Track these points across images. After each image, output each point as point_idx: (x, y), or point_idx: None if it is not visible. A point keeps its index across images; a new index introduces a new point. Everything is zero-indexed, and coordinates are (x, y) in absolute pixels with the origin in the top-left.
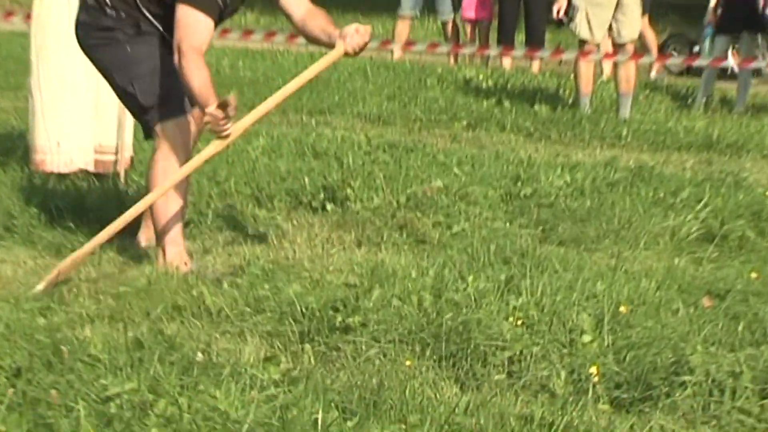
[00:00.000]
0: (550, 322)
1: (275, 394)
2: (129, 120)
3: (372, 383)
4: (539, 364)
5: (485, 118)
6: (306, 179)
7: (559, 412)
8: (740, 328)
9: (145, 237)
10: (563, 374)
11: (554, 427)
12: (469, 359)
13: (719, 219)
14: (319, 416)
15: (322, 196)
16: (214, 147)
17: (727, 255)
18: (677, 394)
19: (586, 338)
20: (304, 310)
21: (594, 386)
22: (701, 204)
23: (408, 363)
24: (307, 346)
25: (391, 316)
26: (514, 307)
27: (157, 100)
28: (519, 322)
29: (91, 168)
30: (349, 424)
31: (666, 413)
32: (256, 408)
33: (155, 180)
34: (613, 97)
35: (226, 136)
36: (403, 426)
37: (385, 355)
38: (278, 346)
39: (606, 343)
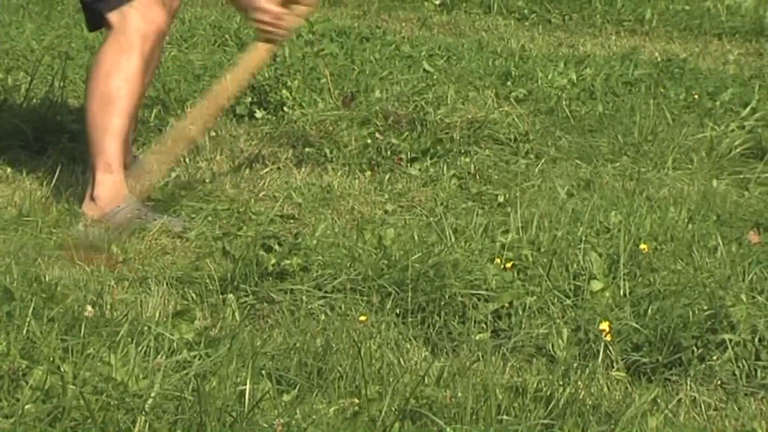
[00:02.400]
0: (549, 265)
1: (188, 360)
2: None
3: (315, 345)
4: (534, 319)
5: None
6: (228, 77)
7: (560, 382)
8: None
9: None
10: (565, 333)
11: (553, 401)
12: (442, 313)
13: None
14: (247, 388)
15: (249, 99)
16: (263, 52)
17: None
18: (714, 358)
19: (596, 285)
20: (225, 249)
21: (606, 348)
22: (748, 109)
23: (362, 319)
24: (230, 297)
25: (341, 257)
26: (502, 245)
27: None
28: (508, 265)
29: None
30: (286, 397)
31: (699, 382)
32: (164, 377)
33: (97, 84)
34: None
35: (275, 39)
36: (357, 400)
37: (332, 309)
38: (192, 297)
39: (621, 292)
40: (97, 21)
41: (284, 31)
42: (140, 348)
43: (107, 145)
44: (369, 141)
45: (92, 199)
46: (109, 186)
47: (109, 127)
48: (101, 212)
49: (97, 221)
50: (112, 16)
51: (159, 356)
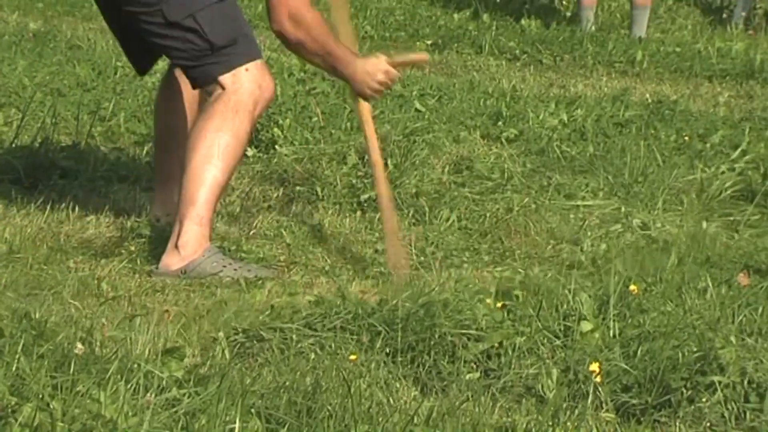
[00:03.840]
0: (539, 305)
1: (178, 398)
2: None
3: (305, 384)
4: (524, 359)
5: (456, 36)
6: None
7: (549, 423)
8: None
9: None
10: (555, 373)
11: None
12: (432, 353)
13: (762, 171)
14: (236, 426)
15: None
16: (366, 111)
17: None
18: (703, 400)
19: (586, 326)
20: (215, 287)
21: (595, 389)
22: (738, 151)
23: (352, 358)
24: (221, 335)
25: (332, 296)
26: (492, 285)
27: (230, 36)
28: (498, 305)
29: None
30: None
31: (688, 424)
32: (153, 415)
33: (206, 135)
34: (625, 9)
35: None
36: None
37: (322, 348)
38: (182, 335)
39: (611, 333)
40: (147, 63)
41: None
42: (130, 385)
43: (201, 198)
44: (353, 180)
45: (176, 246)
46: (197, 236)
47: (208, 181)
48: (183, 262)
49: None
50: (225, 78)
51: (148, 394)
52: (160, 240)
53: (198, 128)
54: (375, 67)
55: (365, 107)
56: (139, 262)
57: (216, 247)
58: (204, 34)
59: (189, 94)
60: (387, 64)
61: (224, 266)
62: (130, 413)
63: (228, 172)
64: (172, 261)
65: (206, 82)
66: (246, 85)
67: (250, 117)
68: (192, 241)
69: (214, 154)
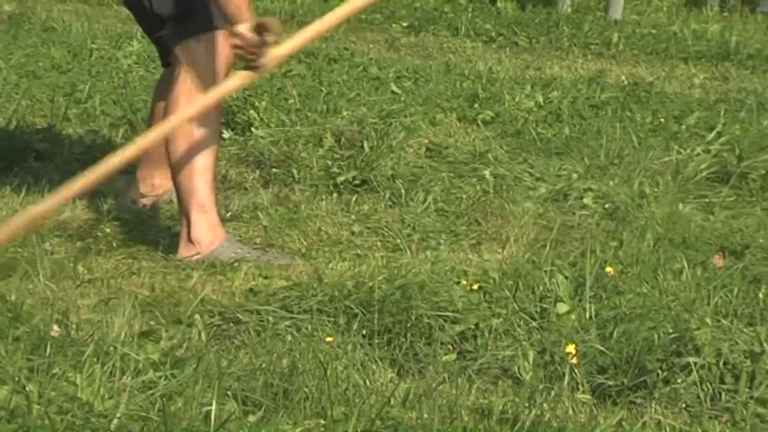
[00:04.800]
0: (515, 287)
1: (154, 380)
2: None
3: (281, 366)
4: (500, 341)
5: (432, 18)
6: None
7: (526, 404)
8: (761, 294)
9: (142, 190)
10: (531, 355)
11: (519, 423)
12: (408, 335)
13: (737, 153)
14: (212, 408)
15: None
16: (240, 79)
17: (746, 200)
18: (679, 381)
19: (562, 308)
20: (191, 269)
21: (571, 370)
22: (713, 133)
23: (329, 339)
24: (197, 317)
25: (308, 278)
26: (468, 267)
27: (175, 9)
28: (474, 287)
29: None
30: (252, 418)
31: (664, 405)
32: (129, 398)
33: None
34: None
35: (257, 68)
36: (322, 421)
37: (298, 330)
38: (158, 318)
39: (587, 315)
40: (168, 56)
41: (259, 60)
42: (106, 368)
43: (197, 185)
44: (329, 162)
45: (190, 241)
46: (207, 226)
47: (197, 167)
48: (202, 254)
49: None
50: (178, 51)
51: (125, 376)
52: (136, 222)
53: (170, 111)
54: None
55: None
56: (115, 244)
57: (232, 235)
58: (150, 7)
59: None
60: (245, 26)
61: (243, 254)
62: (106, 396)
63: (212, 151)
64: (189, 253)
65: (168, 56)
66: (199, 57)
67: (212, 89)
68: (204, 233)
69: (193, 138)
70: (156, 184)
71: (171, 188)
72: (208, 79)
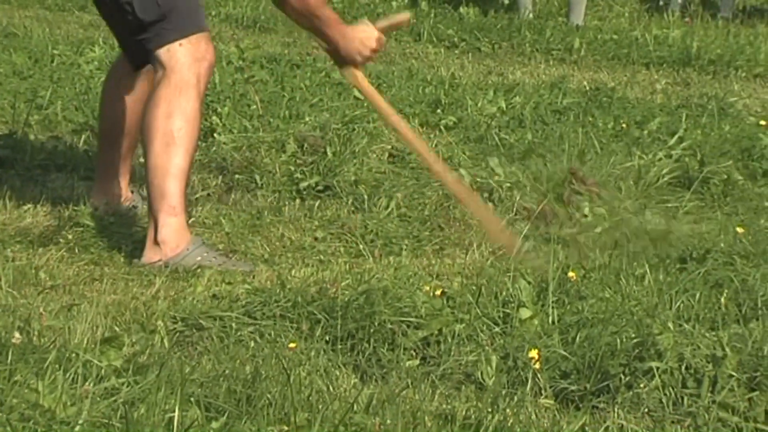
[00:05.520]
0: (478, 293)
1: (116, 387)
2: None
3: (244, 372)
4: (463, 346)
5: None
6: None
7: (489, 409)
8: (723, 299)
9: (103, 193)
10: (494, 360)
11: (482, 428)
12: (372, 341)
13: (698, 158)
14: (175, 415)
15: None
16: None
17: (707, 205)
18: (641, 386)
19: (525, 313)
20: (153, 276)
21: (534, 375)
22: (675, 138)
23: (292, 345)
24: (159, 324)
25: (271, 284)
26: (431, 273)
27: (157, 13)
28: (437, 292)
29: None
30: (215, 424)
31: (627, 410)
32: (92, 404)
33: (158, 124)
34: None
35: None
36: (285, 427)
37: (261, 336)
38: (121, 324)
39: (550, 320)
40: (141, 58)
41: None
42: (68, 375)
43: (170, 187)
44: (292, 168)
45: (156, 243)
46: (176, 229)
47: (171, 169)
48: (167, 257)
49: (161, 265)
50: (161, 54)
51: (87, 383)
52: (98, 228)
53: (149, 118)
54: (369, 35)
55: (360, 75)
56: (77, 251)
57: (198, 237)
58: (133, 8)
59: (138, 87)
60: (377, 31)
61: (208, 261)
62: (68, 402)
63: (189, 155)
64: (154, 255)
65: (144, 58)
66: (183, 60)
67: (196, 93)
68: (172, 235)
69: (170, 141)
70: (116, 193)
71: (131, 196)
72: (190, 83)
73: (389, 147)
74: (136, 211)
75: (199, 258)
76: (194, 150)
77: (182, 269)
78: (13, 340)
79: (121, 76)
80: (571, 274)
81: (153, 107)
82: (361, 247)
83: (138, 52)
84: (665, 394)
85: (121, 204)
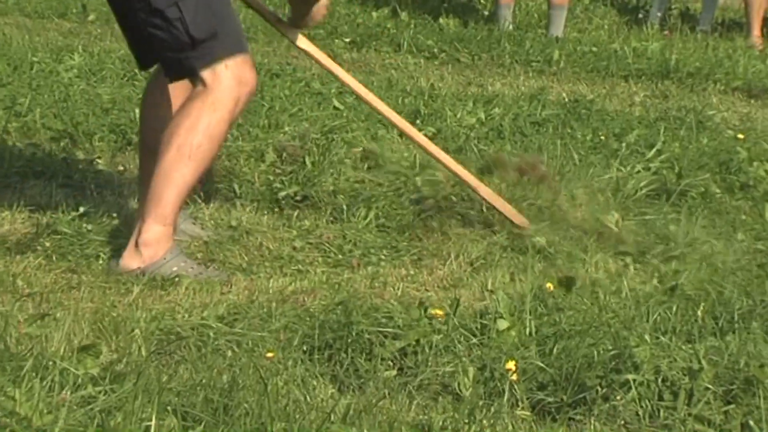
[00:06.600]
0: (455, 304)
1: (93, 395)
2: None
3: (222, 381)
4: (440, 357)
5: (374, 34)
6: (137, 112)
7: (466, 420)
8: (700, 312)
9: None
10: (471, 371)
11: None
12: (349, 351)
13: (676, 170)
14: (152, 424)
15: None
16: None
17: (685, 217)
18: (618, 398)
19: (502, 325)
20: (131, 284)
21: (511, 387)
22: (653, 151)
23: (269, 355)
24: (137, 332)
25: (249, 293)
26: (409, 284)
27: (210, 30)
28: (415, 304)
29: None
30: None
31: (603, 422)
32: (68, 413)
33: (180, 133)
34: (543, 9)
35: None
36: None
37: (239, 345)
38: (98, 332)
39: (527, 331)
40: (150, 60)
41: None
42: (45, 383)
43: (168, 197)
44: (271, 178)
45: (137, 245)
46: (159, 237)
47: (176, 179)
48: (144, 262)
49: (138, 272)
50: (205, 74)
51: (64, 391)
52: (76, 236)
53: (173, 124)
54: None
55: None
56: (54, 258)
57: (176, 247)
58: (186, 25)
59: (177, 99)
60: None
61: (185, 270)
62: (45, 411)
63: (198, 172)
64: (132, 261)
65: (183, 75)
66: (225, 82)
67: (228, 116)
68: (153, 241)
69: (185, 153)
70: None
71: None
72: (227, 106)
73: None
74: (183, 227)
75: (176, 268)
76: (205, 170)
77: (159, 278)
78: None
79: (161, 90)
80: (548, 285)
81: (181, 116)
82: (339, 257)
83: (147, 54)
84: (642, 407)
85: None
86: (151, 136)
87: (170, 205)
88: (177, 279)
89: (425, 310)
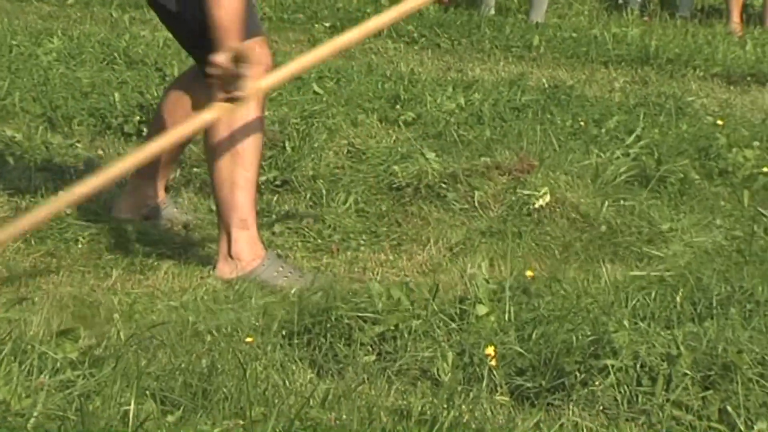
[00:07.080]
0: (435, 289)
1: (72, 379)
2: None
3: (201, 366)
4: (420, 342)
5: (354, 18)
6: (116, 95)
7: (444, 405)
8: (678, 298)
9: (128, 206)
10: (450, 356)
11: (438, 424)
12: (328, 336)
13: (655, 156)
14: (131, 408)
15: (137, 118)
16: (216, 111)
17: (665, 203)
18: (596, 383)
19: (481, 310)
20: (110, 268)
21: (490, 372)
22: (633, 137)
23: (248, 340)
24: (116, 316)
25: (228, 278)
26: (388, 269)
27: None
28: (394, 288)
29: None
30: (170, 418)
31: (581, 407)
32: (47, 397)
33: (221, 137)
34: None
35: (235, 99)
36: (241, 421)
37: (218, 330)
38: (77, 316)
39: (507, 317)
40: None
41: (236, 92)
42: (23, 367)
43: (239, 200)
44: None
45: (230, 256)
46: (248, 242)
47: (239, 181)
48: (243, 271)
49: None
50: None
51: (42, 375)
52: (55, 220)
53: (211, 130)
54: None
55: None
56: (33, 242)
57: (273, 252)
58: (199, 16)
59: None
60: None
61: (285, 276)
62: (23, 395)
63: (255, 165)
64: (228, 269)
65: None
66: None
67: (255, 102)
68: (246, 249)
69: (236, 152)
70: (148, 194)
71: (165, 198)
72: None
73: (346, 143)
74: (165, 212)
75: (275, 273)
76: (259, 160)
77: (138, 263)
78: None
79: (193, 81)
80: (528, 272)
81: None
82: (318, 241)
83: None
84: (620, 392)
85: (152, 204)
86: (166, 124)
87: (246, 207)
88: (156, 263)
89: (404, 296)
